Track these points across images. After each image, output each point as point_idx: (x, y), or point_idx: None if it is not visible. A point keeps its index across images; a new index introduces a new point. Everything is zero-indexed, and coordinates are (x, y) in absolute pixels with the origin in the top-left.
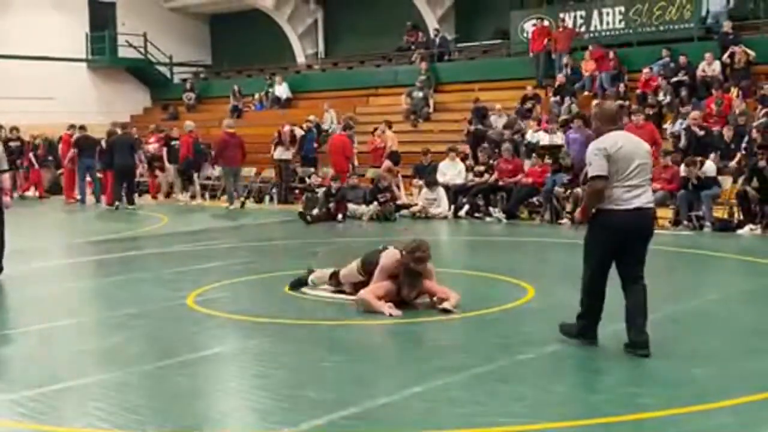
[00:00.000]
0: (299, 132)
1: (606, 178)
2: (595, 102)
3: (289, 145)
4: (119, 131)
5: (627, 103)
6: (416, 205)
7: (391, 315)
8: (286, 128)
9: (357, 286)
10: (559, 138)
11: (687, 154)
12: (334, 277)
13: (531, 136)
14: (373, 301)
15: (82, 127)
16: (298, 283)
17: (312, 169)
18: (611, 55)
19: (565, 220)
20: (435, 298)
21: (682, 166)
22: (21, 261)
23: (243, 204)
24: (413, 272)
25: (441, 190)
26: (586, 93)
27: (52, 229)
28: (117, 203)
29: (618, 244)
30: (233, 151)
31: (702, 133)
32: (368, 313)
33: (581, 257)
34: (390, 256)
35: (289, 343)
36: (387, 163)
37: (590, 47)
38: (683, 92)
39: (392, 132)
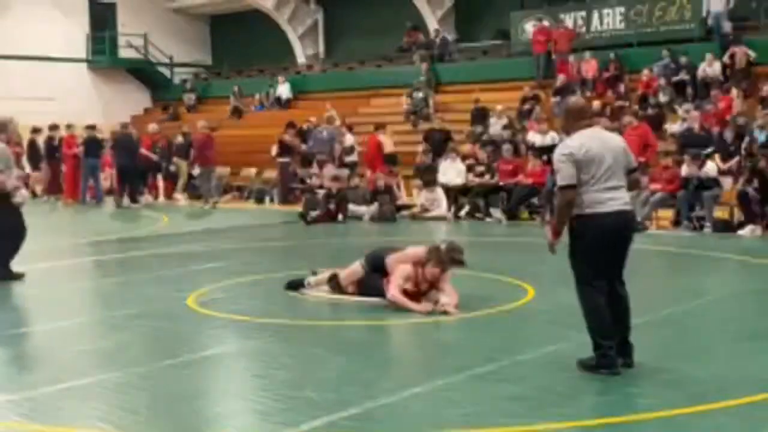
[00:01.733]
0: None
1: (575, 187)
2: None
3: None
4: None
5: (627, 103)
6: (416, 206)
7: (422, 312)
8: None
9: (360, 283)
10: (549, 138)
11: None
12: (334, 279)
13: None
14: (405, 302)
15: (91, 127)
16: (295, 285)
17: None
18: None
19: None
20: (438, 302)
21: (684, 165)
22: (21, 262)
23: (216, 204)
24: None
25: (439, 190)
26: (588, 94)
27: (52, 229)
28: (122, 202)
29: (605, 248)
30: (210, 151)
31: (702, 133)
32: (370, 313)
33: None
34: (417, 248)
35: (289, 343)
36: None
37: (554, 55)
38: (684, 92)
39: (383, 136)
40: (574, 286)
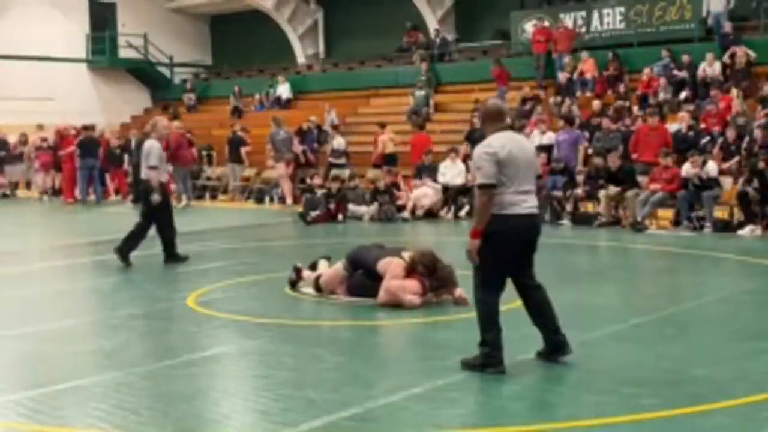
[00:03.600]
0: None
1: (494, 186)
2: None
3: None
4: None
5: (627, 103)
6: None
7: (414, 305)
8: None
9: (346, 284)
10: (547, 138)
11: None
12: (315, 282)
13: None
14: (403, 296)
15: (86, 128)
16: (293, 284)
17: (312, 170)
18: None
19: (565, 221)
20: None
21: (685, 165)
22: (21, 261)
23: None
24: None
25: (435, 185)
26: (588, 94)
27: (52, 229)
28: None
29: (513, 249)
30: (186, 151)
31: (692, 133)
32: (370, 314)
33: (582, 257)
34: (395, 268)
35: (290, 343)
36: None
37: (554, 55)
38: (684, 93)
39: (387, 134)
40: (473, 286)
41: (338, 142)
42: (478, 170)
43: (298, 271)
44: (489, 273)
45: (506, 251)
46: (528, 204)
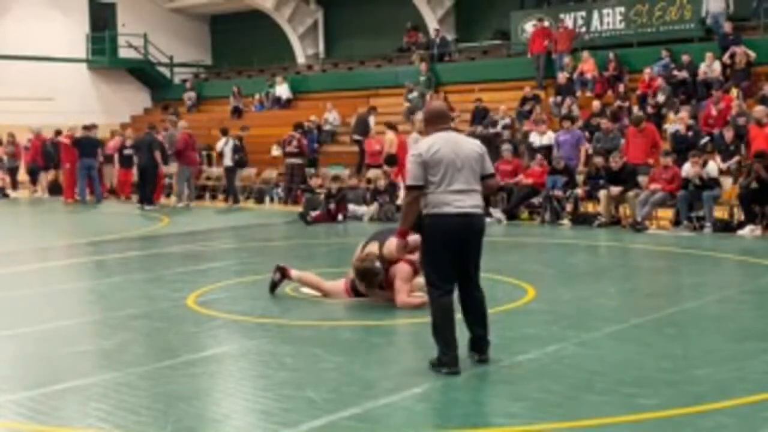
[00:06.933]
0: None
1: (420, 187)
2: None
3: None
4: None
5: (627, 103)
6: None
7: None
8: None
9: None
10: (547, 138)
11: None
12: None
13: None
14: (415, 301)
15: (86, 127)
16: (274, 286)
17: (313, 170)
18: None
19: (565, 221)
20: None
21: (686, 165)
22: (21, 261)
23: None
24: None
25: None
26: (588, 94)
27: (52, 229)
28: (142, 204)
29: (447, 249)
30: (192, 151)
31: (690, 134)
32: (370, 313)
33: (582, 257)
34: (401, 268)
35: (290, 343)
36: (385, 168)
37: (554, 55)
38: (683, 93)
39: (393, 134)
40: (428, 297)
41: (220, 144)
42: (408, 172)
43: (282, 271)
44: (431, 271)
45: (440, 250)
46: (461, 203)
